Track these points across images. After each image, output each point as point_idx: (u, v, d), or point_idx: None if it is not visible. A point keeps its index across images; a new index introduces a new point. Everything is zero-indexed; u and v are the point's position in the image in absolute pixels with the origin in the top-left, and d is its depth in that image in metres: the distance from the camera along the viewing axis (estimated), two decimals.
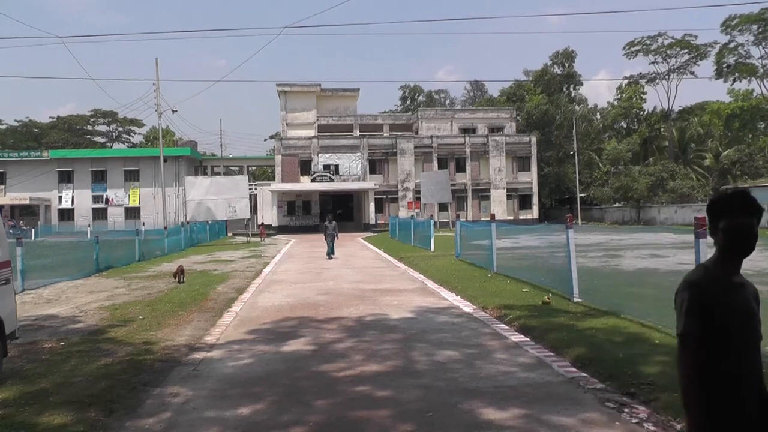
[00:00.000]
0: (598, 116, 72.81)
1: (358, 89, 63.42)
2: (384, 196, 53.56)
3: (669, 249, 21.40)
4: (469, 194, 55.03)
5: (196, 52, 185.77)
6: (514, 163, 56.41)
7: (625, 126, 72.17)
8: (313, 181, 52.00)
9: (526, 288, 12.80)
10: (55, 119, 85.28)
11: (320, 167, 53.06)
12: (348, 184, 52.97)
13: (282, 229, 50.52)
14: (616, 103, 71.21)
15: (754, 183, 48.93)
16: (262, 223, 45.69)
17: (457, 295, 12.60)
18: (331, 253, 23.29)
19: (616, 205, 58.31)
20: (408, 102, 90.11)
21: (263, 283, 15.98)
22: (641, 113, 70.56)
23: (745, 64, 56.10)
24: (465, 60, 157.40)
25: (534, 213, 56.14)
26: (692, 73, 63.70)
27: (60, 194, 64.14)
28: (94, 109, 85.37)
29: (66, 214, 63.99)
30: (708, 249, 7.32)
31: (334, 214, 55.76)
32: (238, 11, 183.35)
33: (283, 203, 53.09)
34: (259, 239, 38.83)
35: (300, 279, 16.70)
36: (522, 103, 66.21)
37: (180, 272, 16.28)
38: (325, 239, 23.78)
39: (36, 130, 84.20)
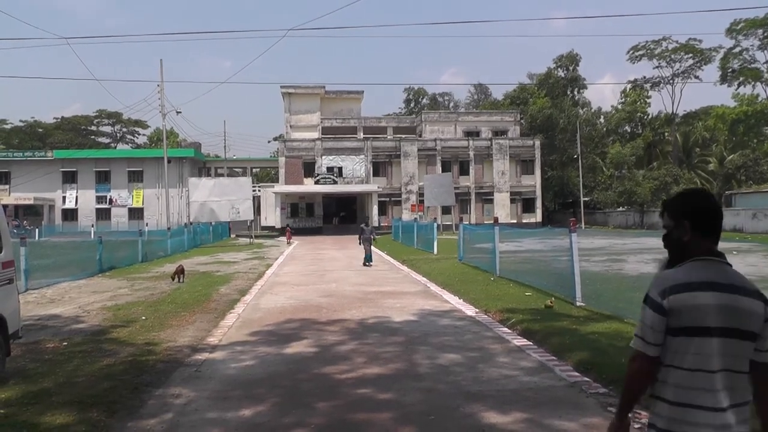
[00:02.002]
0: (602, 120, 72.67)
1: (362, 91, 63.54)
2: (387, 199, 53.56)
3: None
4: (473, 197, 54.99)
5: (200, 54, 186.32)
6: (517, 166, 56.38)
7: (629, 130, 72.01)
8: (316, 183, 52.04)
9: (528, 292, 12.78)
10: (59, 120, 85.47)
11: (324, 169, 53.09)
12: (351, 186, 53.00)
13: (285, 231, 50.54)
14: (620, 107, 71.08)
15: (759, 188, 48.83)
16: (288, 226, 45.64)
17: (459, 299, 12.59)
18: (368, 260, 21.20)
19: (620, 209, 58.19)
20: (412, 105, 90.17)
21: (266, 284, 16.00)
22: (645, 117, 70.42)
23: (750, 68, 56.03)
24: (469, 63, 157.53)
25: (537, 217, 56.06)
26: (697, 77, 63.65)
27: (64, 194, 64.29)
28: (99, 109, 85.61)
29: (70, 215, 64.12)
30: None
31: (337, 216, 56.18)
32: (242, 13, 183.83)
33: (286, 205, 53.13)
34: (286, 241, 38.73)
35: (302, 281, 16.71)
36: (526, 107, 66.16)
37: (180, 272, 16.34)
38: (362, 244, 21.67)
39: (40, 130, 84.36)
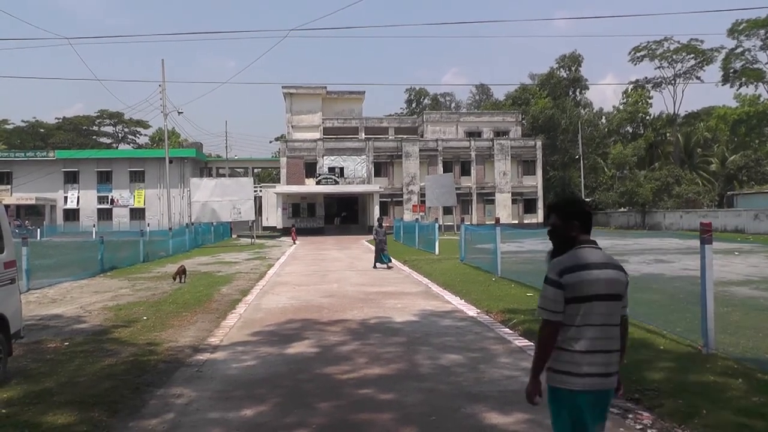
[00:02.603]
0: (604, 120, 72.60)
1: (364, 92, 63.64)
2: (389, 199, 53.53)
3: (674, 254, 21.32)
4: (474, 198, 54.97)
5: (202, 54, 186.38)
6: (519, 167, 56.34)
7: (630, 130, 71.92)
8: (318, 183, 52.03)
9: (530, 292, 12.76)
10: (61, 120, 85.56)
11: (325, 170, 53.09)
12: (353, 186, 52.98)
13: (286, 231, 50.53)
14: (621, 107, 71.02)
15: (761, 189, 48.78)
16: (293, 226, 45.73)
17: (461, 299, 12.58)
18: (380, 261, 20.18)
19: (621, 209, 58.13)
20: (413, 105, 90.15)
21: (267, 284, 16.00)
22: (647, 118, 70.32)
23: (752, 69, 55.92)
24: (471, 63, 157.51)
25: (539, 217, 55.94)
26: (698, 78, 63.52)
27: (65, 194, 64.36)
28: (101, 110, 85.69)
29: (71, 215, 64.18)
30: (713, 254, 7.31)
31: (339, 216, 56.15)
32: (244, 13, 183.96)
33: (287, 205, 53.13)
34: (292, 241, 38.83)
35: (304, 281, 16.71)
36: (527, 107, 66.13)
37: (181, 273, 16.38)
38: (375, 246, 20.64)
39: (42, 130, 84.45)
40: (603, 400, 3.25)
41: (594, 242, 3.31)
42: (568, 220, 3.31)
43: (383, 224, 21.39)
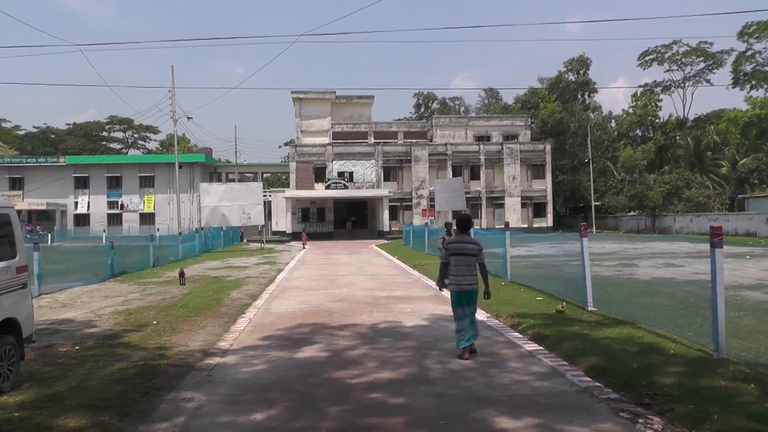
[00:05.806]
0: (613, 124, 72.29)
1: (373, 96, 63.44)
2: (398, 204, 53.52)
3: (684, 258, 21.20)
4: (483, 202, 54.85)
5: (211, 60, 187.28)
6: (528, 170, 56.15)
7: (640, 134, 71.62)
8: (327, 188, 52.10)
9: (540, 296, 12.73)
10: (71, 126, 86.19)
11: (334, 174, 53.15)
12: (362, 191, 53.00)
13: (296, 236, 50.54)
14: (631, 110, 70.71)
15: None
16: (304, 230, 45.84)
17: None
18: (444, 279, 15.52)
19: (631, 213, 57.82)
20: (422, 109, 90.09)
21: (277, 289, 16.03)
22: (656, 121, 70.00)
23: (763, 71, 55.48)
24: (480, 67, 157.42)
25: (548, 221, 55.81)
26: (708, 81, 63.14)
27: (76, 200, 64.67)
28: (111, 115, 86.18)
29: (82, 220, 64.51)
30: (724, 258, 7.27)
31: (349, 221, 56.05)
32: (253, 19, 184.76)
33: (297, 210, 53.22)
34: (302, 245, 38.84)
35: (313, 286, 16.73)
36: (536, 111, 65.91)
37: (180, 275, 16.90)
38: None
39: (53, 136, 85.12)
40: (468, 295, 7.93)
41: (466, 233, 8.11)
42: (457, 225, 8.19)
43: (452, 231, 14.82)
